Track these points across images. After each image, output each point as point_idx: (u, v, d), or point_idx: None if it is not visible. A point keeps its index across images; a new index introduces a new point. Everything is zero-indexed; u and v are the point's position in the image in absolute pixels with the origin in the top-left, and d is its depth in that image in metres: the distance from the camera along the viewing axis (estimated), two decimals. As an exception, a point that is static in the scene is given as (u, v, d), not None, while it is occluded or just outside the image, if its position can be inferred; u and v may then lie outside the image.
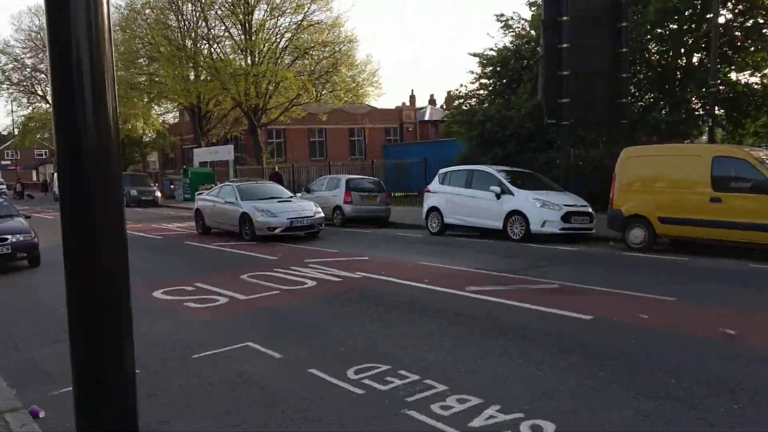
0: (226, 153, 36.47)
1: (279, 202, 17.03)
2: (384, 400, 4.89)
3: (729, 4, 22.45)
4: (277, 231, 15.88)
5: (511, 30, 26.79)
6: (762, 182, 11.71)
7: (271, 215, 16.00)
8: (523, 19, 26.85)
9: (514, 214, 15.30)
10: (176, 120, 52.62)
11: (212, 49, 36.30)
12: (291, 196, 18.36)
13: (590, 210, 15.38)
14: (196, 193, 22.17)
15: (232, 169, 34.90)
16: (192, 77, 37.47)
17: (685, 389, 4.96)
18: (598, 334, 6.60)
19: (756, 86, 24.88)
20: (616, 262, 12.11)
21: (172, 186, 40.02)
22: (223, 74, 33.25)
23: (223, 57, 35.50)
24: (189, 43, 36.20)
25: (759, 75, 25.18)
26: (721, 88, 18.14)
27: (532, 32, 25.46)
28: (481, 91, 27.48)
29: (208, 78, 35.27)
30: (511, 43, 26.72)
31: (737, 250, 12.38)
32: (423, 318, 7.49)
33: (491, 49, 26.62)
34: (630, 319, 7.22)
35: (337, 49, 35.72)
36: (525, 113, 22.06)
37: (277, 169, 28.30)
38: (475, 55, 26.60)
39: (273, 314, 7.96)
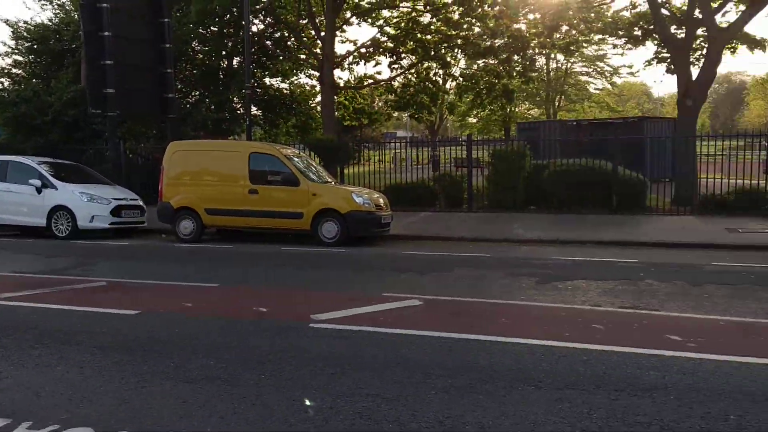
0: None
1: None
2: None
3: (260, 15, 24.82)
4: None
5: (48, 5, 24.78)
6: (289, 175, 13.44)
7: None
8: (63, -5, 25.11)
9: (60, 210, 14.40)
10: None
11: None
12: None
13: (141, 203, 15.41)
14: None
15: None
16: None
17: (222, 368, 5.36)
18: (143, 329, 6.68)
19: (285, 91, 28.45)
20: (165, 254, 12.38)
21: None
22: None
23: None
24: None
25: (287, 82, 29.05)
26: (258, 90, 19.90)
27: (74, 14, 23.96)
28: (16, 69, 24.81)
29: None
30: (50, 20, 24.69)
31: (274, 236, 13.90)
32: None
33: (26, 23, 24.17)
34: (176, 309, 7.51)
35: None
36: (67, 99, 20.70)
37: None
38: (7, 23, 23.79)
39: None
